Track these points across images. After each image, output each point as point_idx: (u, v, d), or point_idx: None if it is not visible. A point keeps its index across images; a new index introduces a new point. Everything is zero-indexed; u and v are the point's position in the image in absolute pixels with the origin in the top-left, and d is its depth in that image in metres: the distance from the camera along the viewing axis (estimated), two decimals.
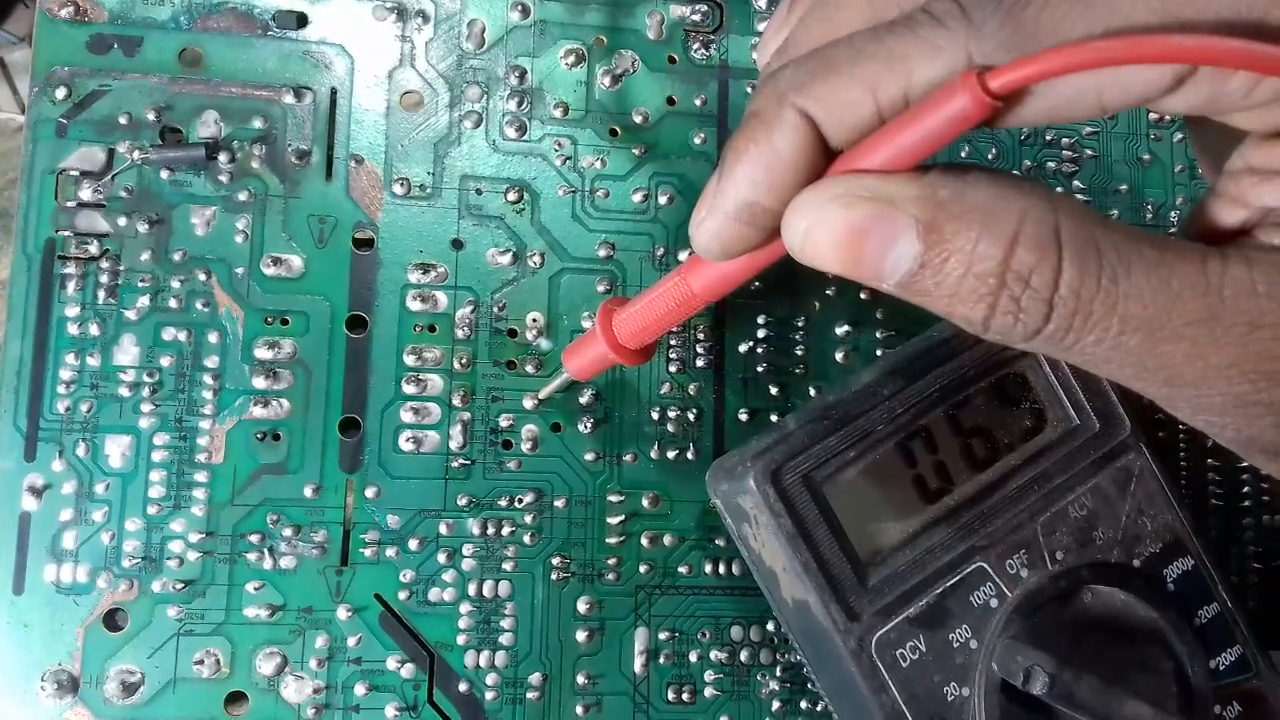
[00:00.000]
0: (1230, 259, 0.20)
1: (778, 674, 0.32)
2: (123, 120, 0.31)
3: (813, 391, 0.33)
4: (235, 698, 0.30)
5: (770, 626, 0.32)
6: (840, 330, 0.34)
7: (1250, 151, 0.21)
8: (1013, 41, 0.19)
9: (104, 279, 0.31)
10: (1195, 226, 0.22)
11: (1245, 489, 0.35)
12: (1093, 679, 0.26)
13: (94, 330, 0.31)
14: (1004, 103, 0.19)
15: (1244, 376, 0.20)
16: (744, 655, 0.32)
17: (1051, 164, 0.35)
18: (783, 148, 0.21)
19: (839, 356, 0.33)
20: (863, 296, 0.34)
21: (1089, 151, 0.35)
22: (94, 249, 0.31)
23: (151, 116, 0.31)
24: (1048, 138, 0.35)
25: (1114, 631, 0.28)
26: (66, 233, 0.31)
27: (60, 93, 0.31)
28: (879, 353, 0.34)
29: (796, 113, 0.20)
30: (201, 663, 0.30)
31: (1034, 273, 0.19)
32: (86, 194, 0.31)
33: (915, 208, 0.20)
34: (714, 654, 0.32)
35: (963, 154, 0.34)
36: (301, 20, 0.32)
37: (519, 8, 0.33)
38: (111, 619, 0.30)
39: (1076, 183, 0.35)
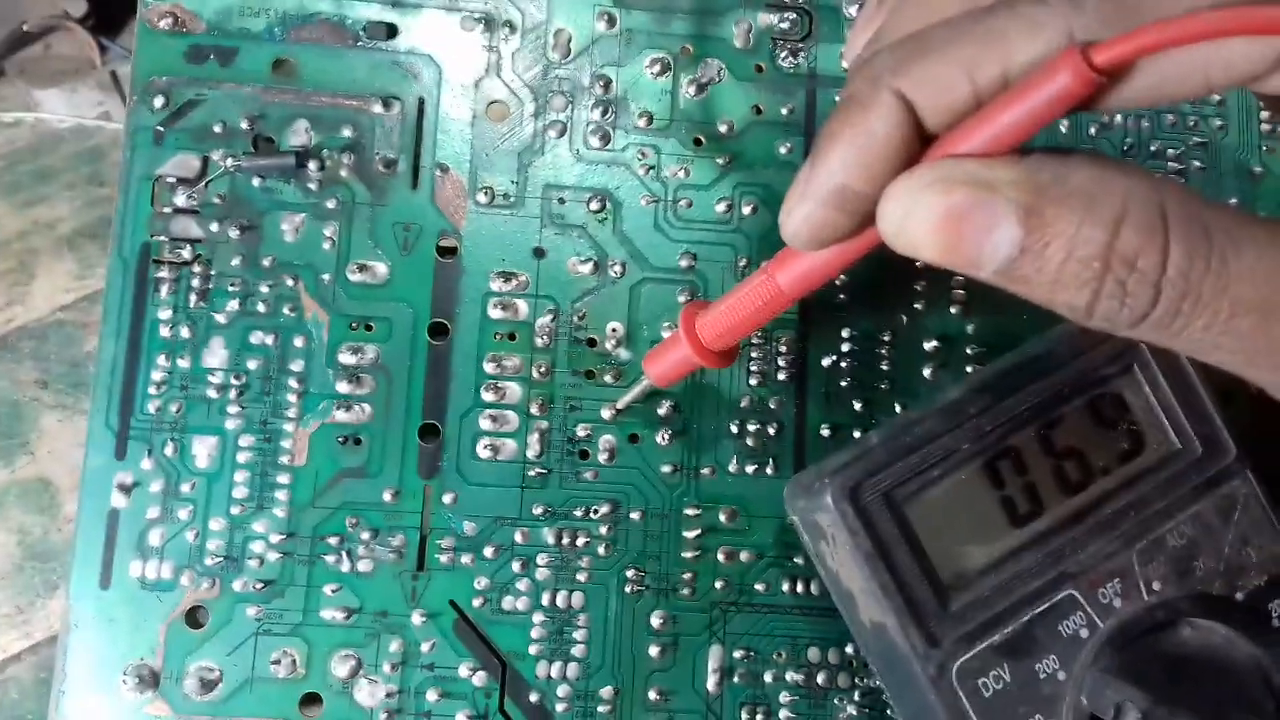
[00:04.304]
0: None
1: (856, 698, 0.31)
2: (217, 129, 0.32)
3: (898, 408, 0.32)
4: (310, 699, 0.30)
5: (849, 649, 0.31)
6: (928, 345, 0.33)
7: None
8: (1115, 17, 0.19)
9: (196, 283, 0.31)
10: None
11: None
12: (1188, 717, 0.25)
13: (185, 333, 0.31)
14: (1108, 79, 0.18)
15: None
16: (821, 678, 0.31)
17: (1157, 173, 0.34)
18: (878, 131, 0.20)
19: (926, 372, 0.33)
20: (953, 311, 0.33)
21: (1196, 163, 0.34)
22: (187, 254, 0.31)
23: (245, 125, 0.32)
24: (1153, 148, 0.34)
25: (1213, 668, 0.27)
26: (161, 238, 0.32)
27: (158, 101, 0.32)
28: (968, 369, 0.33)
29: (893, 95, 0.20)
30: (278, 663, 0.30)
31: (1140, 255, 0.19)
32: (181, 200, 0.32)
33: (1015, 192, 0.19)
34: (790, 675, 0.31)
35: None
36: (391, 31, 0.33)
37: (605, 17, 0.33)
38: (193, 616, 0.30)
39: None
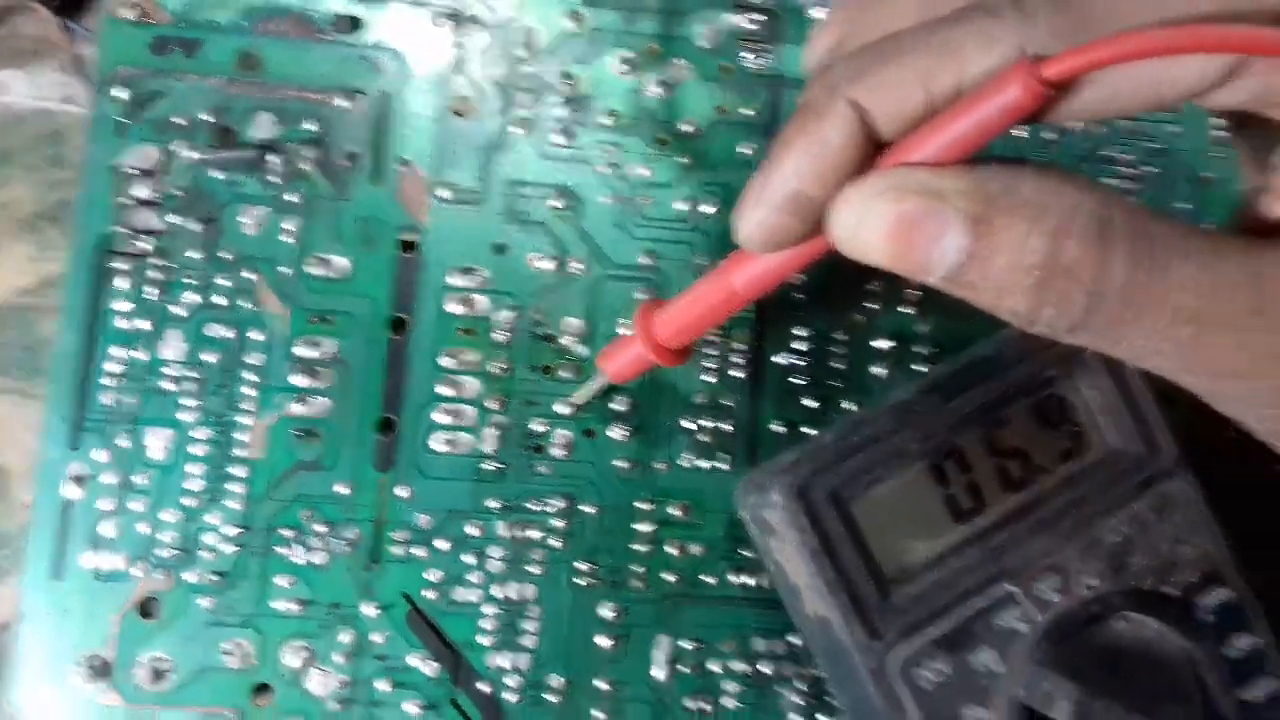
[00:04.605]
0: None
1: (799, 687, 0.32)
2: (180, 121, 0.32)
3: (850, 406, 0.33)
4: (262, 688, 0.30)
5: (794, 640, 0.32)
6: (882, 345, 0.33)
7: None
8: (1067, 30, 0.19)
9: (155, 275, 0.31)
10: (1247, 221, 0.22)
11: None
12: (1119, 709, 0.26)
13: (143, 325, 0.31)
14: (1057, 92, 0.19)
15: None
16: (766, 667, 0.32)
17: (1112, 181, 0.34)
18: (832, 138, 0.21)
19: (879, 371, 0.33)
20: (907, 312, 0.33)
21: (1150, 169, 0.35)
22: (146, 245, 0.32)
23: (208, 118, 0.32)
24: (1108, 155, 0.35)
25: (1145, 662, 0.28)
26: (121, 229, 0.32)
27: (122, 92, 0.32)
28: (921, 369, 0.33)
29: (847, 104, 0.21)
30: (230, 653, 0.30)
31: (1083, 266, 0.19)
32: (142, 192, 0.32)
33: (965, 201, 0.20)
34: (736, 665, 0.32)
35: None
36: (357, 24, 0.33)
37: (573, 15, 0.33)
38: (146, 607, 0.30)
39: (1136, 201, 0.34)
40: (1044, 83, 0.19)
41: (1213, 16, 0.18)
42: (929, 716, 0.27)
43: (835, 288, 0.33)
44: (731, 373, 0.33)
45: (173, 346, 0.31)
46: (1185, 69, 0.19)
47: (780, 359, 0.33)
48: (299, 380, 0.31)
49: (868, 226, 0.21)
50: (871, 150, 0.21)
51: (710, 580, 0.32)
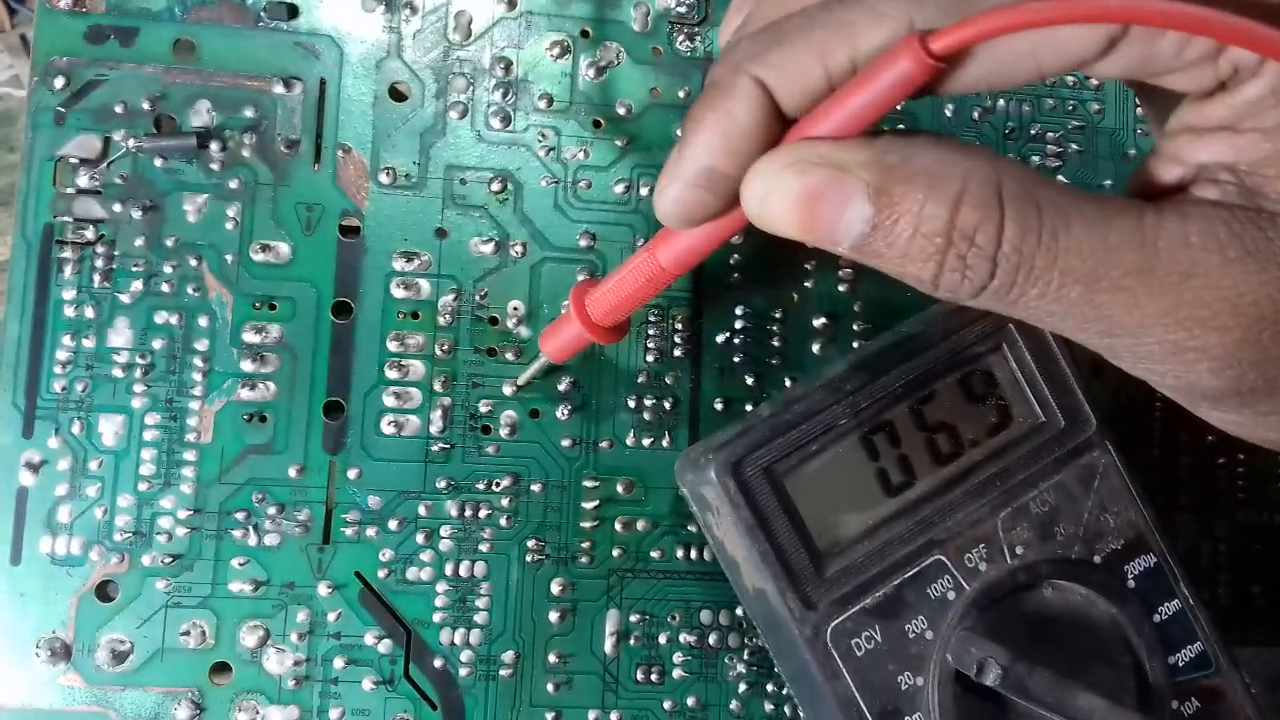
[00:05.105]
0: (1166, 213, 0.21)
1: (745, 657, 0.33)
2: (118, 109, 0.32)
3: (788, 382, 0.34)
4: (220, 668, 0.31)
5: (739, 611, 0.33)
6: (817, 322, 0.34)
7: (1185, 111, 0.22)
8: (952, 6, 0.20)
9: (99, 263, 0.32)
10: (1138, 185, 0.23)
11: (1221, 485, 0.35)
12: (1046, 671, 0.27)
13: (89, 313, 0.32)
14: (946, 65, 0.20)
15: (1179, 324, 0.21)
16: (713, 638, 0.33)
17: (1036, 158, 0.35)
18: (739, 114, 0.22)
19: (815, 348, 0.34)
20: (840, 289, 0.34)
21: (1074, 146, 0.35)
22: (90, 234, 0.32)
23: (146, 106, 0.32)
24: (1033, 132, 0.35)
25: (1072, 626, 0.29)
26: (65, 218, 0.32)
27: (59, 82, 0.32)
28: (855, 344, 0.34)
29: (751, 80, 0.21)
30: (188, 634, 0.31)
31: (978, 231, 0.20)
32: (83, 181, 0.32)
33: (866, 172, 0.21)
34: (683, 637, 0.33)
35: None
36: (292, 11, 0.33)
37: None
38: (103, 590, 0.31)
39: (1061, 177, 0.35)
40: (932, 56, 0.19)
41: None
42: (864, 683, 0.28)
43: (772, 265, 0.34)
44: (673, 352, 0.33)
45: (120, 334, 0.32)
46: (1068, 40, 0.20)
47: (720, 337, 0.34)
48: (247, 365, 0.32)
49: (775, 200, 0.21)
50: (779, 126, 0.22)
51: (656, 555, 0.33)
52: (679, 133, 0.22)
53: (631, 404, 0.33)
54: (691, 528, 0.33)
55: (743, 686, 0.33)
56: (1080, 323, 0.22)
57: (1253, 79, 0.20)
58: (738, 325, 0.34)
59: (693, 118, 0.22)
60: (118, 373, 0.31)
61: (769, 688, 0.33)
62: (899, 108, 0.32)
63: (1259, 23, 0.18)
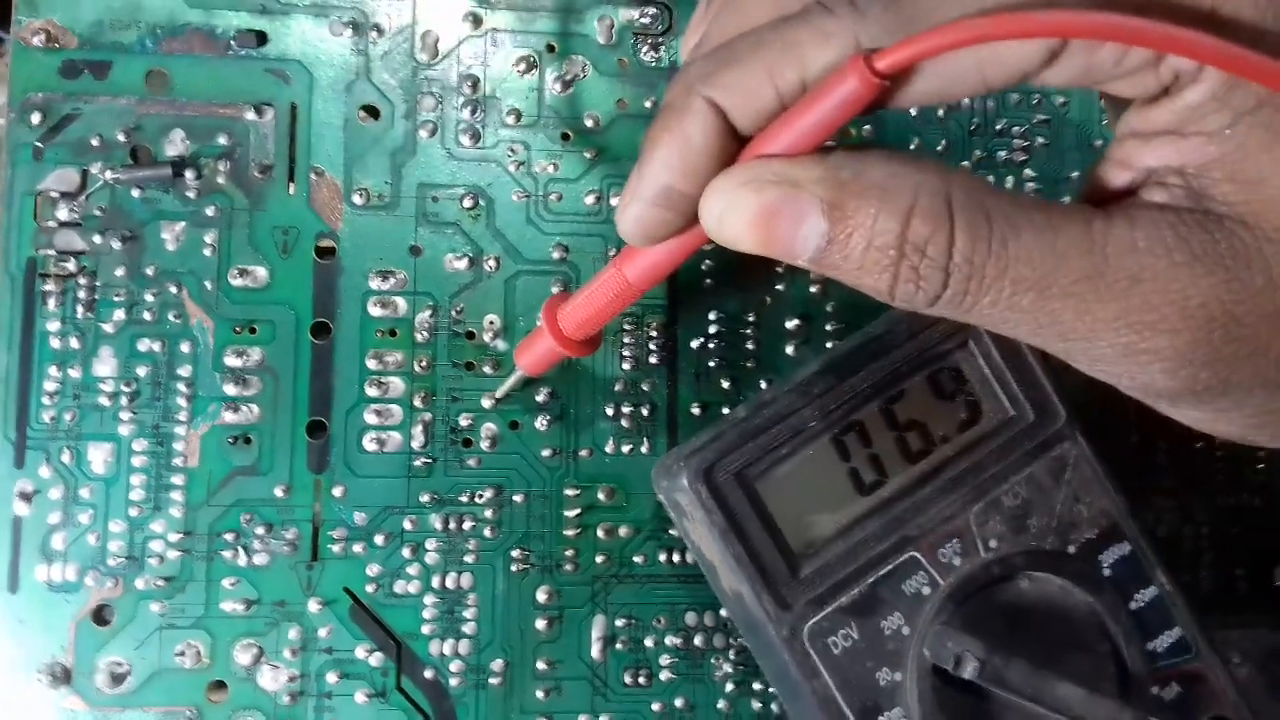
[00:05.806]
0: (1114, 218, 0.21)
1: (731, 657, 0.33)
2: (94, 142, 0.33)
3: (764, 384, 0.34)
4: (216, 686, 0.32)
5: (723, 612, 0.33)
6: (791, 324, 0.34)
7: (1132, 116, 0.22)
8: (896, 25, 0.20)
9: (82, 294, 0.32)
10: (1089, 189, 0.24)
11: (1200, 470, 0.35)
12: (1023, 662, 0.27)
13: (74, 344, 0.32)
14: (891, 83, 0.20)
15: (1129, 328, 0.21)
16: (698, 640, 0.33)
17: (1002, 153, 0.35)
18: (694, 135, 0.22)
19: (790, 350, 0.34)
20: (812, 290, 0.34)
21: (1040, 140, 0.36)
22: (72, 266, 0.32)
23: (121, 137, 0.33)
24: (998, 127, 0.36)
25: (1049, 617, 0.29)
26: (47, 251, 0.32)
27: (35, 118, 0.32)
28: (829, 345, 0.34)
29: (704, 101, 0.22)
30: (183, 654, 0.32)
31: (929, 242, 0.21)
32: (64, 214, 0.33)
33: (820, 188, 0.21)
34: (669, 639, 0.33)
35: (912, 145, 0.35)
36: (261, 38, 0.33)
37: (470, 18, 0.34)
38: (100, 614, 0.32)
39: (1028, 171, 0.35)
40: (877, 74, 0.20)
41: (1025, 4, 0.19)
42: (843, 681, 0.28)
43: (744, 270, 0.34)
44: (649, 358, 0.34)
45: (105, 363, 0.32)
46: (1009, 54, 0.21)
47: (695, 342, 0.34)
48: (230, 389, 0.32)
49: (733, 217, 0.22)
50: (734, 144, 0.22)
51: (639, 560, 0.33)
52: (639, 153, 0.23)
53: (610, 412, 0.34)
54: (673, 532, 0.33)
55: (729, 686, 0.33)
56: (1034, 329, 0.22)
57: (1193, 84, 0.20)
58: (712, 330, 0.34)
59: (650, 139, 0.23)
60: (104, 401, 0.32)
61: (755, 686, 0.33)
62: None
63: (1190, 29, 0.19)
